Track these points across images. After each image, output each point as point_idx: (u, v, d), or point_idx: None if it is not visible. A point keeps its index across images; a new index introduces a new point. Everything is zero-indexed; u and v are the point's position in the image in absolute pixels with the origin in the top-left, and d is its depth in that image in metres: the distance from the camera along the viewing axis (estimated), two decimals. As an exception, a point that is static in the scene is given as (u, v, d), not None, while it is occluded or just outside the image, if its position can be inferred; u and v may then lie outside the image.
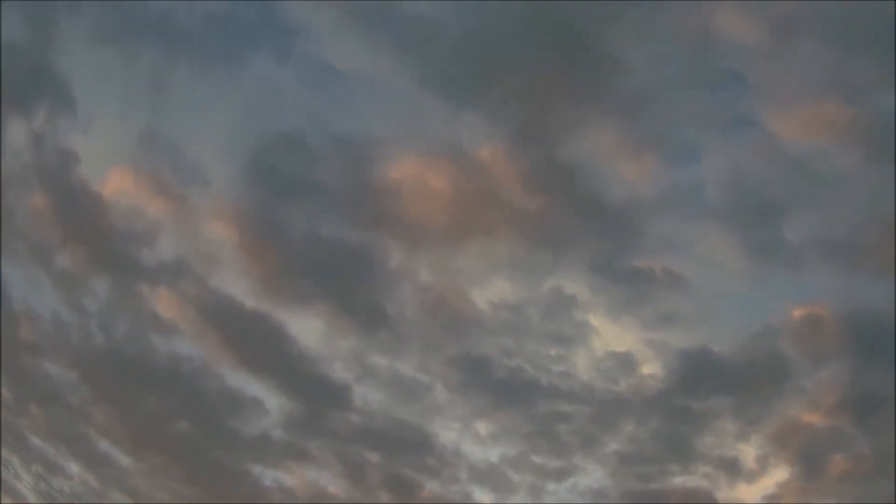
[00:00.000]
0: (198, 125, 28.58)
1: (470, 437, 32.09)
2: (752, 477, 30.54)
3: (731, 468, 30.53)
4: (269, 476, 37.06)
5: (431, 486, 33.50)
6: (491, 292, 29.02)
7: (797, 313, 27.76)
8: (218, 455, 36.32)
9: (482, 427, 31.73)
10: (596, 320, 29.07)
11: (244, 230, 28.59)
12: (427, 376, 29.86)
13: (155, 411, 34.95)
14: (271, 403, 32.11)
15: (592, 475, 32.17)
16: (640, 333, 29.35)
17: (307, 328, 29.55)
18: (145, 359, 31.87)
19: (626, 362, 29.72)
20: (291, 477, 35.71)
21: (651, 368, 29.55)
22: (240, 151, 27.95)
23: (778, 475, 30.11)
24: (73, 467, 45.11)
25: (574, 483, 32.62)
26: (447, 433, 31.70)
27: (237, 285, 29.14)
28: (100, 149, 29.55)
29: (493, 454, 32.74)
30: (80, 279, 30.60)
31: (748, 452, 30.18)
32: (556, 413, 30.36)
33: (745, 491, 30.55)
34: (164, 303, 30.25)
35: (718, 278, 27.48)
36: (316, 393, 30.98)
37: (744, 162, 26.03)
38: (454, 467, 33.11)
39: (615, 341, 29.19)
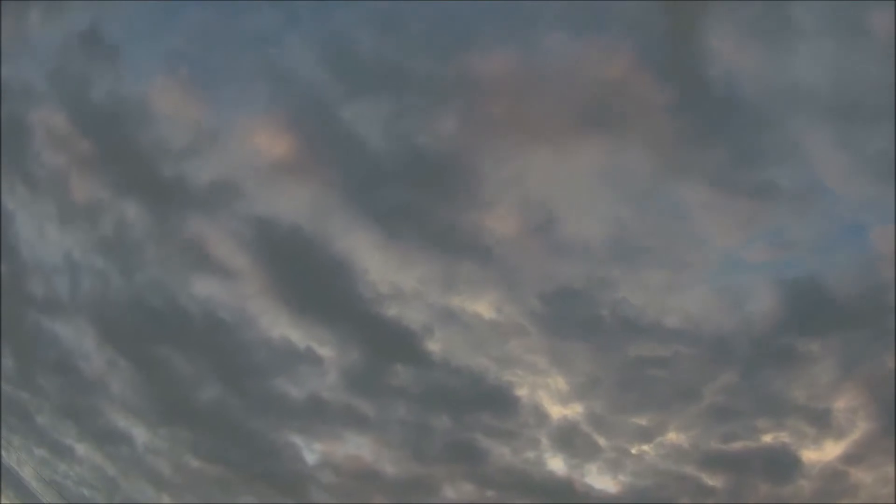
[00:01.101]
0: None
1: (553, 393, 26.12)
2: (839, 432, 25.24)
3: (820, 422, 25.72)
4: (316, 450, 30.73)
5: (503, 453, 27.40)
6: (596, 210, 23.28)
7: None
8: (254, 426, 29.97)
9: (568, 380, 25.79)
10: (710, 239, 23.37)
11: (300, 142, 22.73)
12: (512, 318, 23.87)
13: (182, 375, 28.79)
14: (325, 358, 25.91)
15: (681, 434, 25.91)
16: (755, 256, 23.68)
17: (372, 261, 23.58)
18: (174, 311, 25.73)
19: (737, 291, 24.08)
20: (342, 447, 29.43)
21: (761, 299, 23.85)
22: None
23: (864, 429, 25.04)
24: (82, 449, 38.29)
25: (660, 443, 26.29)
26: (528, 388, 25.68)
27: (288, 211, 23.12)
28: (137, 54, 23.56)
29: (578, 412, 26.67)
30: (100, 211, 24.44)
31: (839, 404, 24.92)
32: (652, 358, 24.58)
33: (831, 448, 26.00)
34: (200, 236, 24.15)
35: (838, 204, 22.01)
36: (380, 343, 24.94)
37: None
38: (532, 429, 27.12)
39: (729, 267, 23.49)
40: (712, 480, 26.60)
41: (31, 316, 28.83)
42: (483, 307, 24.04)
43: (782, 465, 25.63)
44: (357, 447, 28.63)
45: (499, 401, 25.89)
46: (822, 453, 25.73)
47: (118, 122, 22.90)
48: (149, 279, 25.56)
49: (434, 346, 24.51)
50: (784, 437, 25.86)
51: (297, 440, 29.55)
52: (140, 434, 33.85)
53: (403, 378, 25.60)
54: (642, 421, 26.36)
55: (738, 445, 25.90)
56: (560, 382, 25.35)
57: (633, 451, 27.09)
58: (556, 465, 27.78)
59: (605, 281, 23.42)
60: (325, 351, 25.34)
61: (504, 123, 21.09)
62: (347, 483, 31.28)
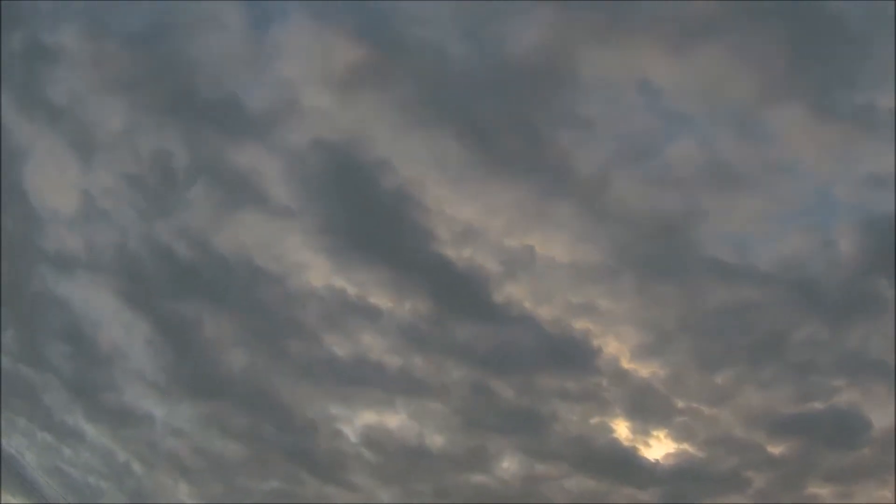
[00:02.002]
0: None
1: (631, 348, 22.45)
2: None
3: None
4: (358, 423, 26.76)
5: (569, 419, 23.60)
6: (692, 134, 19.75)
7: None
8: (290, 398, 25.95)
9: (648, 332, 22.16)
10: (803, 171, 19.95)
11: (362, 52, 18.96)
12: (593, 260, 20.16)
13: (210, 339, 24.78)
14: (379, 310, 22.00)
15: (756, 395, 23.17)
16: (847, 192, 20.27)
17: (440, 194, 19.81)
18: (205, 260, 21.75)
19: (826, 229, 20.67)
20: (390, 418, 25.44)
21: (850, 239, 20.43)
22: None
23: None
24: (91, 430, 33.76)
25: (734, 405, 23.33)
26: (604, 343, 21.99)
27: (344, 136, 19.31)
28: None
29: (654, 370, 22.98)
30: (126, 143, 20.49)
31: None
32: (738, 304, 21.47)
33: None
34: (240, 167, 20.25)
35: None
36: (444, 292, 21.12)
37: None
38: (605, 390, 23.44)
39: (819, 203, 20.09)
40: (778, 449, 23.87)
41: (38, 275, 24.47)
42: (563, 247, 20.25)
43: (851, 430, 23.07)
44: (406, 417, 24.49)
45: (571, 358, 22.28)
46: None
47: (153, 37, 18.98)
48: (177, 225, 21.52)
49: (505, 296, 20.81)
50: (856, 398, 23.07)
51: (339, 411, 25.46)
52: (159, 412, 29.50)
53: (467, 334, 21.64)
54: (719, 379, 23.31)
55: (810, 407, 23.17)
56: (639, 335, 21.73)
57: (707, 413, 23.88)
58: (623, 431, 24.23)
59: (694, 213, 19.72)
60: (380, 302, 21.42)
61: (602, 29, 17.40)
62: (392, 462, 27.11)
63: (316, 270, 21.44)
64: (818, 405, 23.00)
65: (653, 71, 18.37)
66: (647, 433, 24.26)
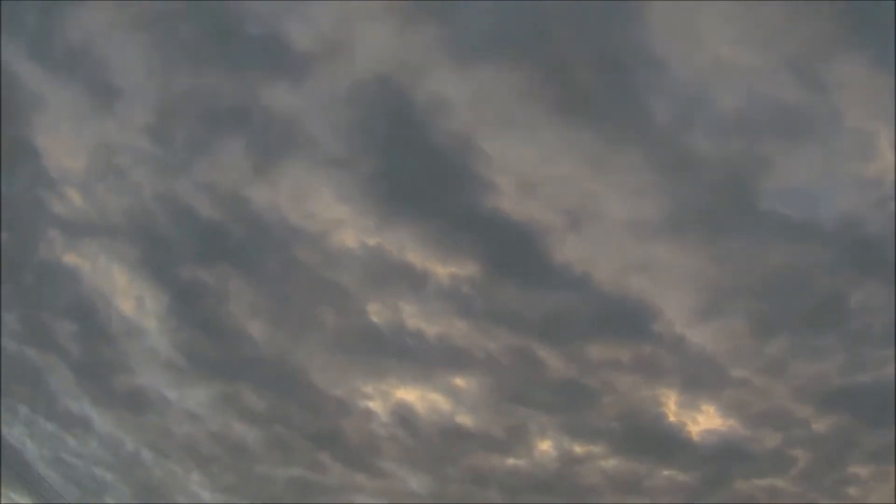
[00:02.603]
0: None
1: (688, 312, 20.27)
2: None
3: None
4: (391, 403, 24.46)
5: (618, 392, 21.43)
6: (755, 80, 17.73)
7: None
8: (319, 376, 23.66)
9: (705, 294, 20.11)
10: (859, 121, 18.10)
11: None
12: (655, 214, 18.04)
13: (234, 313, 22.29)
14: (424, 272, 19.74)
15: (809, 365, 21.42)
16: None
17: (494, 130, 17.57)
18: (231, 220, 19.39)
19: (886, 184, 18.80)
20: (427, 396, 23.16)
21: None
22: None
23: None
24: (98, 417, 31.22)
25: (785, 378, 21.08)
26: (661, 307, 19.85)
27: (393, 75, 17.08)
28: None
29: (709, 336, 20.88)
30: (151, 85, 18.17)
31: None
32: (797, 265, 19.72)
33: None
34: (277, 111, 17.93)
35: None
36: (495, 251, 18.87)
37: None
38: (659, 361, 21.35)
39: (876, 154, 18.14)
40: (823, 425, 22.28)
41: (46, 243, 21.97)
42: (625, 201, 18.08)
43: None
44: (444, 394, 22.19)
45: (625, 324, 20.21)
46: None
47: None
48: (202, 181, 19.16)
49: (560, 255, 18.51)
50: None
51: (371, 389, 23.19)
52: (173, 395, 26.93)
53: (515, 299, 19.41)
54: (772, 347, 21.55)
55: (857, 380, 21.51)
56: (697, 297, 19.63)
57: (758, 385, 22.32)
58: (671, 406, 22.47)
59: (759, 165, 17.60)
60: (423, 264, 19.10)
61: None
62: (426, 445, 24.74)
63: (354, 229, 19.17)
64: (865, 377, 21.28)
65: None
66: (695, 407, 22.60)
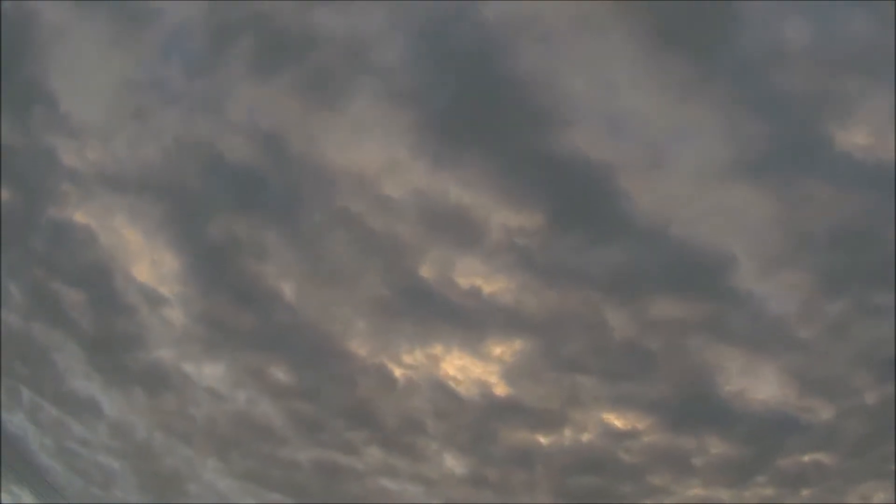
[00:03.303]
0: None
1: (764, 262, 18.11)
2: None
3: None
4: (436, 375, 22.10)
5: (680, 356, 19.46)
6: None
7: None
8: (354, 344, 21.13)
9: (781, 243, 17.97)
10: None
11: None
12: (730, 155, 15.87)
13: (263, 270, 19.70)
14: (483, 221, 17.33)
15: (872, 326, 19.43)
16: None
17: (571, 59, 15.29)
18: (265, 168, 16.97)
19: None
20: (475, 365, 20.77)
21: None
22: None
23: None
24: (108, 400, 28.48)
25: (846, 342, 19.60)
26: (737, 258, 17.66)
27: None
28: None
29: (780, 292, 18.96)
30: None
31: None
32: (869, 214, 17.00)
33: None
34: (319, 27, 15.48)
35: None
36: (561, 198, 16.56)
37: None
38: (726, 320, 19.14)
39: None
40: (876, 396, 20.68)
41: (55, 199, 19.32)
42: (709, 142, 15.86)
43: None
44: (496, 362, 19.74)
45: (698, 279, 17.56)
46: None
47: None
48: (235, 122, 16.56)
49: (635, 203, 16.15)
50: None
51: (414, 358, 20.66)
52: (192, 371, 24.14)
53: (583, 252, 17.02)
54: (837, 308, 19.71)
55: None
56: (769, 248, 17.20)
57: (818, 349, 20.46)
58: (731, 371, 20.82)
59: (837, 102, 15.53)
60: (482, 214, 16.64)
61: None
62: (471, 422, 22.28)
63: (408, 173, 16.71)
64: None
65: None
66: (755, 373, 20.88)
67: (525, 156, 16.99)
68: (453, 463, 24.37)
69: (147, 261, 22.19)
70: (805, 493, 22.90)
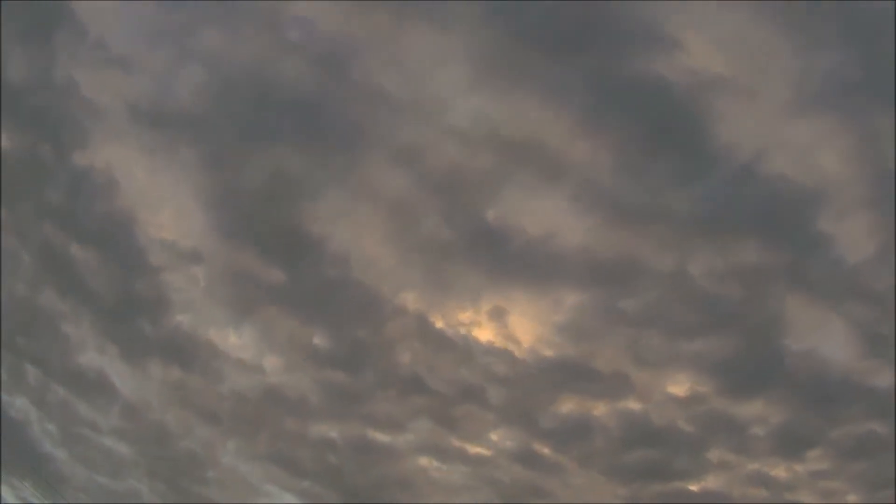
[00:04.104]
0: None
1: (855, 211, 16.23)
2: None
3: None
4: (495, 337, 19.78)
5: (784, 319, 17.35)
6: None
7: None
8: (407, 301, 18.80)
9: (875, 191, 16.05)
10: None
11: None
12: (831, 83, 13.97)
13: (312, 214, 17.30)
14: (552, 158, 15.14)
15: None
16: None
17: None
18: (316, 96, 14.72)
19: None
20: (541, 325, 18.53)
21: None
22: None
23: None
24: (121, 377, 25.65)
25: None
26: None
27: None
28: None
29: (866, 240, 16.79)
30: None
31: None
32: None
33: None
34: None
35: None
36: (645, 127, 14.43)
37: None
38: (817, 279, 17.07)
39: None
40: None
41: (75, 140, 16.75)
42: (808, 61, 13.82)
43: None
44: (568, 322, 17.51)
45: (785, 221, 15.48)
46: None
47: None
48: (292, 39, 14.22)
49: (726, 135, 14.01)
50: None
51: (475, 316, 18.25)
52: (219, 337, 21.48)
53: (667, 191, 14.98)
54: None
55: None
56: (855, 187, 15.15)
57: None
58: (800, 324, 19.02)
59: None
60: (555, 145, 14.47)
61: None
62: (525, 387, 19.88)
63: (480, 98, 14.24)
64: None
65: None
66: (824, 330, 19.00)
67: (608, 79, 14.68)
68: (504, 437, 21.79)
69: (172, 211, 19.71)
70: (859, 466, 20.74)
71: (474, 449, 22.59)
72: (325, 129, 16.05)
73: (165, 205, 18.60)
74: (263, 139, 16.38)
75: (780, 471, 21.40)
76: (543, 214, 16.62)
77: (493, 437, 22.01)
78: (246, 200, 18.28)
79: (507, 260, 17.23)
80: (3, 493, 25.36)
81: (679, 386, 20.61)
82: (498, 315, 18.52)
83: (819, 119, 16.07)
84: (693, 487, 22.09)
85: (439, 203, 16.54)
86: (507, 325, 18.74)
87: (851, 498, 20.78)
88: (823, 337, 19.19)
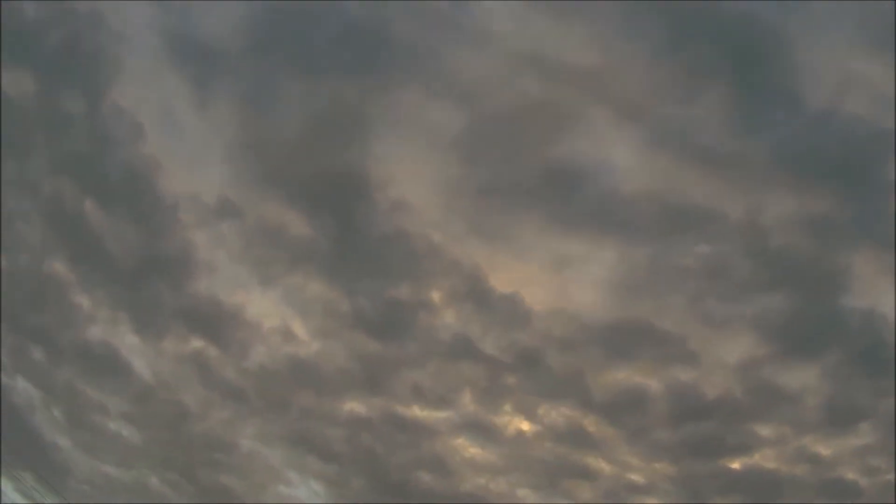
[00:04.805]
0: None
1: None
2: None
3: None
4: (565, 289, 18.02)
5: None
6: None
7: None
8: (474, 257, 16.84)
9: None
10: None
11: None
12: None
13: (367, 143, 15.69)
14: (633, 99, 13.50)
15: None
16: None
17: None
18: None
19: None
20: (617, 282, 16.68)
21: None
22: None
23: None
24: (139, 354, 23.44)
25: None
26: None
27: None
28: None
29: None
30: None
31: None
32: None
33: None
34: None
35: None
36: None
37: None
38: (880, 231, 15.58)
39: None
40: None
41: (93, 76, 14.93)
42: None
43: None
44: (646, 278, 15.74)
45: (862, 166, 13.80)
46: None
47: None
48: None
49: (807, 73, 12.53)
50: None
51: (523, 272, 16.41)
52: (246, 302, 19.46)
53: (746, 131, 13.27)
54: None
55: None
56: None
57: None
58: (863, 280, 17.53)
59: None
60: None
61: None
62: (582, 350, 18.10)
63: (537, 29, 12.45)
64: None
65: None
66: (883, 288, 17.59)
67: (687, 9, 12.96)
68: (552, 410, 19.82)
69: (202, 160, 17.51)
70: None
71: (519, 425, 20.49)
72: (377, 61, 14.08)
73: (196, 152, 16.51)
74: (309, 72, 14.38)
75: (825, 447, 19.60)
76: (612, 156, 14.69)
77: (540, 411, 19.93)
78: (284, 146, 16.26)
79: (570, 206, 15.30)
80: (3, 486, 22.74)
81: (735, 349, 18.76)
82: (557, 269, 16.54)
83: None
84: (738, 465, 20.19)
85: (499, 143, 14.54)
86: (567, 282, 16.77)
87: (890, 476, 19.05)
88: (884, 295, 17.41)
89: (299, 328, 19.65)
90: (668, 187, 15.29)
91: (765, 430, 20.18)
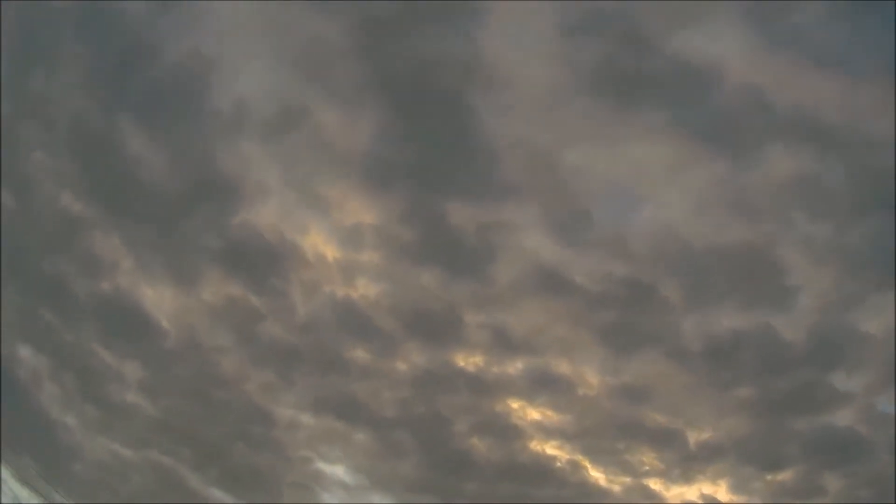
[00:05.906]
0: None
1: None
2: None
3: None
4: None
5: None
6: None
7: None
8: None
9: None
10: None
11: None
12: None
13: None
14: None
15: None
16: None
17: None
18: None
19: None
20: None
21: None
22: None
23: None
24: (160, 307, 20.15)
25: None
26: None
27: None
28: None
29: None
30: None
31: None
32: None
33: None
34: None
35: None
36: None
37: None
38: None
39: None
40: None
41: None
42: None
43: None
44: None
45: None
46: None
47: None
48: None
49: None
50: None
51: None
52: (298, 235, 16.65)
53: None
54: None
55: None
56: None
57: None
58: None
59: None
60: None
61: None
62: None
63: None
64: None
65: None
66: None
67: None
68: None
69: (260, 59, 14.59)
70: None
71: (598, 378, 17.69)
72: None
73: (253, 45, 13.61)
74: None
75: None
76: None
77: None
78: (361, 36, 13.43)
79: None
80: (3, 474, 19.11)
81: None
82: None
83: None
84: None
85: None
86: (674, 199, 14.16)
87: None
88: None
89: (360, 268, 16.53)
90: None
91: (840, 381, 17.63)
